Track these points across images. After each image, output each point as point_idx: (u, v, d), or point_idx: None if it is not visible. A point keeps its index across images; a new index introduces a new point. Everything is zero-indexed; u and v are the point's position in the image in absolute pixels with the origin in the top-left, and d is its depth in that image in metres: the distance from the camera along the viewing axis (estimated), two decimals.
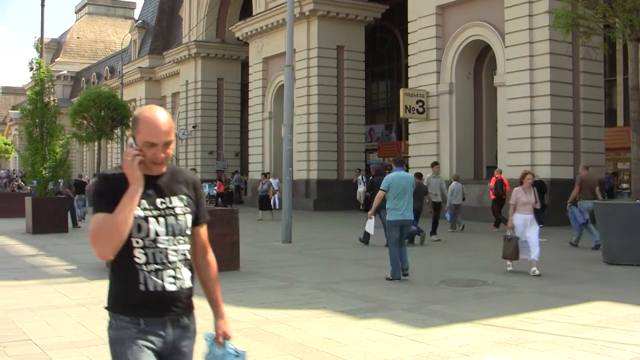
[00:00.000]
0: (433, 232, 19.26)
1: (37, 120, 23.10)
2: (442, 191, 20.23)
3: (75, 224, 25.15)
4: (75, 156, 75.37)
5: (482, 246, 17.81)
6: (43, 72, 23.70)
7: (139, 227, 3.06)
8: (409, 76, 30.70)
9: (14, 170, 65.60)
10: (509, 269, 12.74)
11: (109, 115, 41.75)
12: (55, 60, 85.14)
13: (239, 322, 8.32)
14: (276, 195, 33.69)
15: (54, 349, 7.35)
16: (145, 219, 3.08)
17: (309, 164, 35.29)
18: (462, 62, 28.39)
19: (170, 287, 3.11)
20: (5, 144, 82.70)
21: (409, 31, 30.43)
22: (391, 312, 9.21)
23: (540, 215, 13.28)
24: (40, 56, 25.44)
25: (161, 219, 3.12)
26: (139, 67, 59.28)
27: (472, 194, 25.16)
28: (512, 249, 12.41)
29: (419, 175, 18.99)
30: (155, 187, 3.14)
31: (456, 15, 28.07)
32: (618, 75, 31.26)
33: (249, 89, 41.87)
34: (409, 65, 30.80)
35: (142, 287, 3.07)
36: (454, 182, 22.11)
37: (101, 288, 11.40)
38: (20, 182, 47.73)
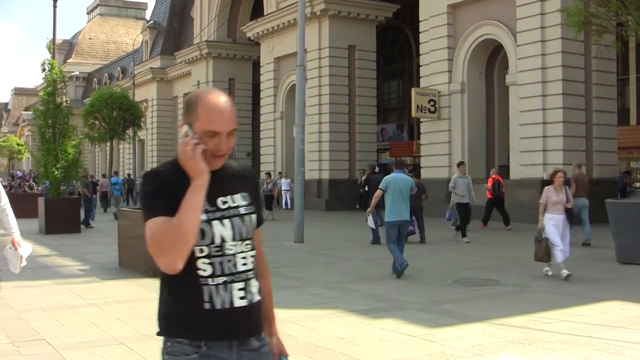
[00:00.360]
0: (463, 235, 18.59)
1: (49, 121, 23.17)
2: (470, 191, 19.18)
3: (88, 224, 25.27)
4: (87, 157, 75.66)
5: (494, 246, 17.75)
6: (55, 73, 23.76)
7: (202, 233, 2.56)
8: (420, 75, 30.67)
9: (30, 171, 66.06)
10: (549, 273, 12.09)
11: (120, 116, 41.95)
12: (67, 61, 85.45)
13: None
14: (288, 195, 33.71)
15: (67, 349, 7.37)
16: (209, 222, 2.59)
17: (321, 163, 35.28)
18: (473, 61, 28.32)
19: (240, 303, 2.62)
20: (18, 144, 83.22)
21: (420, 30, 30.40)
22: (404, 311, 9.19)
23: (573, 216, 12.78)
24: (53, 57, 25.52)
25: (226, 221, 2.64)
26: (151, 68, 59.47)
27: (485, 193, 25.04)
28: (543, 250, 11.81)
29: (417, 174, 19.15)
30: (214, 183, 2.59)
31: (468, 14, 28.01)
32: (631, 74, 31.14)
33: (261, 89, 41.92)
34: (420, 64, 30.76)
35: (207, 306, 2.57)
36: None
37: (114, 288, 11.48)
38: (31, 182, 47.92)
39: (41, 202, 23.45)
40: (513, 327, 8.07)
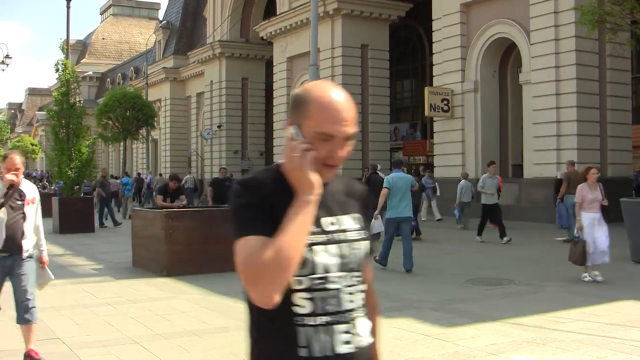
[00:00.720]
0: (503, 234, 18.01)
1: (63, 121, 23.28)
2: (498, 192, 18.75)
3: (101, 224, 25.38)
4: (101, 157, 75.95)
5: (507, 245, 17.65)
6: (69, 73, 23.86)
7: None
8: (433, 74, 30.59)
9: (47, 171, 66.59)
10: (585, 279, 11.49)
11: (134, 116, 42.05)
12: (81, 61, 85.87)
13: None
14: None
15: (82, 348, 7.40)
16: (310, 247, 2.09)
17: None
18: (487, 60, 28.22)
19: (344, 349, 2.13)
20: (32, 144, 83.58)
21: (433, 29, 30.32)
22: (417, 311, 9.18)
23: (609, 214, 12.44)
24: (66, 57, 25.63)
25: (332, 248, 2.15)
26: (164, 68, 59.54)
27: None
28: (579, 252, 11.34)
29: (417, 173, 19.23)
30: (320, 200, 2.11)
31: (481, 12, 27.92)
32: None
33: (274, 88, 41.87)
34: (433, 63, 30.69)
35: (302, 352, 2.09)
36: (463, 181, 21.97)
37: (127, 287, 11.51)
38: (44, 182, 48.10)
39: (55, 201, 23.57)
40: (527, 327, 8.04)
